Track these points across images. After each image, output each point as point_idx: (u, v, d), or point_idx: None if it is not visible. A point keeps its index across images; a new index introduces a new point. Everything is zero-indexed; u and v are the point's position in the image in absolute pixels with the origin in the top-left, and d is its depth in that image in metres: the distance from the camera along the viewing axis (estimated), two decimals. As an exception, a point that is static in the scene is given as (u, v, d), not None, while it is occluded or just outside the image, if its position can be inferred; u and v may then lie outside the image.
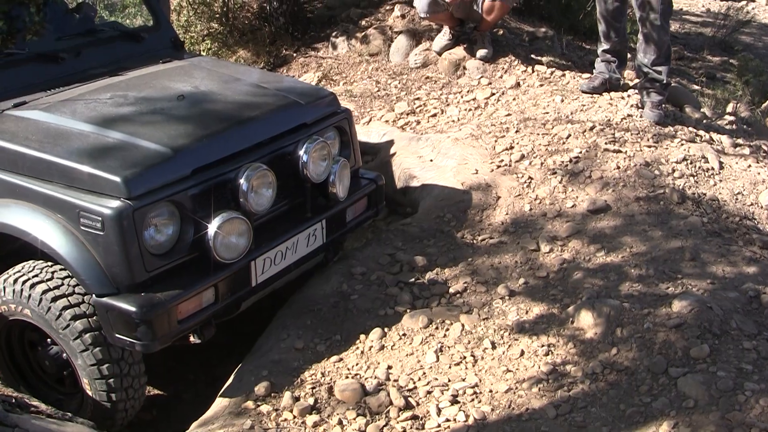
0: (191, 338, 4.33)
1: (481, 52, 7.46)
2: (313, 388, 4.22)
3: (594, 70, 6.93)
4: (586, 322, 4.35)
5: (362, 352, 4.45)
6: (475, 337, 4.45)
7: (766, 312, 4.33)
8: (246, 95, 4.95)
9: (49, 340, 4.29)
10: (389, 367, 4.32)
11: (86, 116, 4.44)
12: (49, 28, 5.21)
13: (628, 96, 6.61)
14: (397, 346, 4.46)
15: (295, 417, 4.05)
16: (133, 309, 3.85)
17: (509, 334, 4.43)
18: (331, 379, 4.28)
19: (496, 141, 6.03)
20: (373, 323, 4.63)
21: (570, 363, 4.18)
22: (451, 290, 4.82)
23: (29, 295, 4.08)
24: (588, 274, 4.75)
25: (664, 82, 6.32)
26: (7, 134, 4.30)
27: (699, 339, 4.09)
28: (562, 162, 5.67)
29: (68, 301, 4.04)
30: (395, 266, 5.06)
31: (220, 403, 4.27)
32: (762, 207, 5.55)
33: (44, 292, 4.06)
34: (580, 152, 5.73)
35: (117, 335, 3.95)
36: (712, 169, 5.79)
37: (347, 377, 4.28)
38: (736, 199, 5.57)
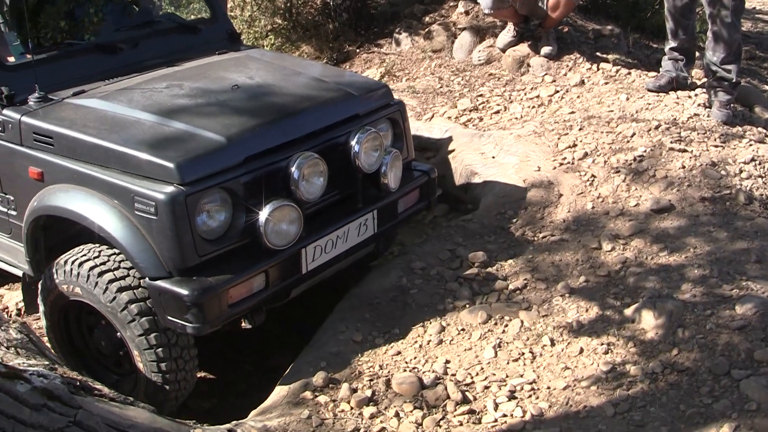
0: (242, 323, 4.41)
1: (545, 50, 7.41)
2: (370, 380, 4.23)
3: (661, 69, 6.84)
4: (647, 321, 4.31)
5: (420, 346, 4.45)
6: (534, 334, 4.43)
7: (834, 316, 4.24)
8: (299, 86, 4.99)
9: (104, 321, 4.37)
10: (447, 362, 4.31)
11: (142, 105, 4.53)
12: (108, 19, 5.34)
13: (696, 95, 6.52)
14: (456, 340, 4.46)
15: (352, 408, 4.06)
16: (184, 292, 3.91)
17: (568, 332, 4.40)
18: (388, 372, 4.29)
19: (559, 138, 5.99)
20: (432, 318, 4.63)
21: (630, 362, 4.13)
22: (511, 287, 4.80)
23: (83, 275, 4.18)
24: (650, 273, 4.69)
25: (734, 81, 6.22)
26: (66, 121, 4.40)
27: (763, 342, 4.03)
28: (626, 160, 5.61)
29: (115, 275, 4.14)
30: (455, 262, 5.05)
31: (278, 393, 4.29)
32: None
33: (98, 273, 4.15)
34: (645, 151, 5.66)
35: (169, 317, 4.02)
36: (781, 170, 5.68)
37: (405, 370, 4.28)
38: (805, 201, 5.46)
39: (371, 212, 4.70)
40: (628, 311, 4.43)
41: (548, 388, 4.08)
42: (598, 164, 5.64)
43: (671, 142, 5.72)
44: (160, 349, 4.17)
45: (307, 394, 4.18)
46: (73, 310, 4.54)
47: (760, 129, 6.19)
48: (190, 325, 3.97)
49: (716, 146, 5.75)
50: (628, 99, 6.56)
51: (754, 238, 4.91)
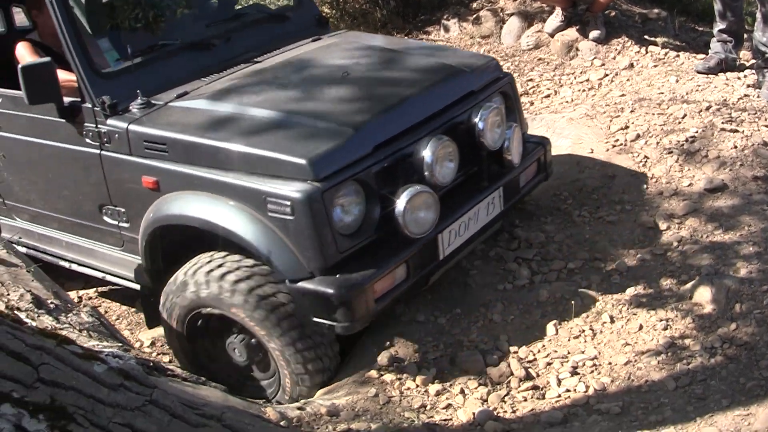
0: None
1: (593, 34, 7.48)
2: (434, 359, 4.36)
3: (709, 50, 6.89)
4: (705, 297, 4.39)
5: (482, 325, 4.56)
6: (593, 312, 4.53)
7: None
8: (408, 67, 4.91)
9: (236, 329, 4.33)
10: (509, 340, 4.43)
11: (254, 101, 4.43)
12: (197, 16, 5.33)
13: (745, 76, 6.58)
14: (517, 319, 4.57)
15: (417, 386, 4.17)
16: (331, 291, 3.84)
17: (627, 309, 4.50)
18: (452, 350, 4.41)
19: (611, 121, 6.07)
20: (493, 297, 4.73)
21: (688, 337, 4.22)
22: (570, 266, 4.91)
23: (216, 284, 4.11)
24: (705, 251, 4.77)
25: None
26: (178, 126, 4.33)
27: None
28: (678, 141, 5.68)
29: (252, 283, 4.05)
30: (513, 243, 5.15)
31: (344, 373, 4.42)
32: None
33: (234, 280, 4.07)
34: (696, 132, 5.73)
35: (315, 318, 3.96)
36: (832, 148, 5.73)
37: (468, 348, 4.40)
38: None
39: (497, 190, 4.59)
40: (686, 288, 4.52)
41: (609, 363, 4.18)
42: (651, 145, 5.71)
43: (722, 123, 5.79)
44: (306, 351, 4.11)
45: (373, 373, 4.28)
46: (195, 322, 4.43)
47: (811, 107, 6.23)
48: (339, 324, 3.90)
49: (767, 126, 5.80)
50: (677, 81, 6.63)
51: (811, 216, 4.98)
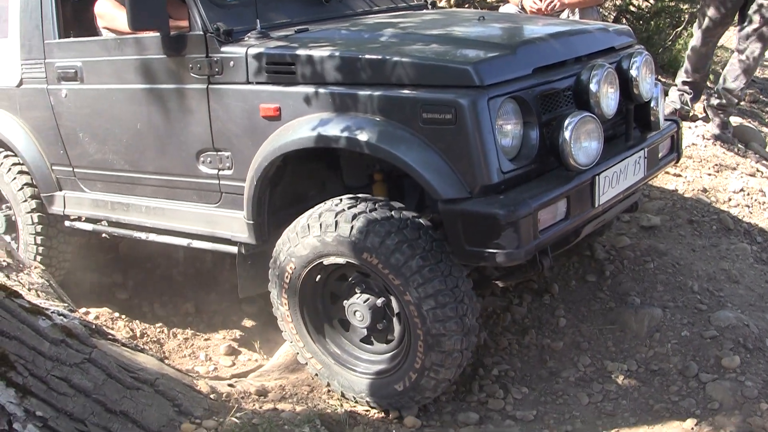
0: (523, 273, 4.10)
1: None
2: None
3: (666, 99, 7.14)
4: (628, 325, 4.62)
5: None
6: (521, 327, 4.74)
7: (803, 336, 4.53)
8: (550, 20, 4.68)
9: (358, 289, 3.98)
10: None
11: (398, 31, 4.15)
12: None
13: (696, 126, 6.82)
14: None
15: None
16: (498, 211, 3.39)
17: (554, 328, 4.71)
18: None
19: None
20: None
21: (608, 359, 4.44)
22: (504, 283, 5.10)
23: (351, 226, 3.72)
24: (636, 282, 4.97)
25: (735, 102, 6.56)
26: (308, 46, 3.97)
27: (732, 351, 4.32)
28: (624, 180, 5.90)
29: (394, 226, 3.68)
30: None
31: (275, 360, 4.58)
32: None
33: (367, 220, 3.70)
34: (642, 173, 5.97)
35: (469, 248, 3.50)
36: (768, 202, 6.00)
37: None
38: (789, 233, 5.77)
39: (643, 150, 4.18)
40: (612, 314, 4.74)
41: (530, 375, 4.42)
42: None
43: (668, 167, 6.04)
44: (447, 306, 3.67)
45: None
46: (320, 276, 4.07)
47: (752, 163, 6.51)
48: (503, 251, 3.41)
49: (709, 174, 6.07)
50: (631, 126, 6.86)
51: (735, 260, 5.21)
